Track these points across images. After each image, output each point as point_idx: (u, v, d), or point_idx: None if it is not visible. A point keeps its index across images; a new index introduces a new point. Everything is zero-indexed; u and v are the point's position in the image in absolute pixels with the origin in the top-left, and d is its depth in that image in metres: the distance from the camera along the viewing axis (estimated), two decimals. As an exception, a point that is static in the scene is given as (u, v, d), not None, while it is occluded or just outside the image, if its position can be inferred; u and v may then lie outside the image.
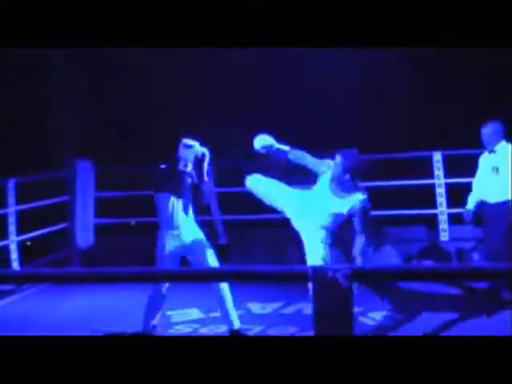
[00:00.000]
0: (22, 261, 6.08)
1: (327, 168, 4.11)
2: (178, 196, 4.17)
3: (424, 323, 4.48)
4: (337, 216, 4.17)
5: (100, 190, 6.73)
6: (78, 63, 6.85)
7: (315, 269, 1.55)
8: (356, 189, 4.09)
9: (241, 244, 6.85)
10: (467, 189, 5.23)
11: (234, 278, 1.65)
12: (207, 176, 4.25)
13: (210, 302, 5.27)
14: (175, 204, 4.19)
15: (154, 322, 4.35)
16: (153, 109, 8.50)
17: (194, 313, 5.17)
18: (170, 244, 4.27)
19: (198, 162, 4.14)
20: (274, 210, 6.72)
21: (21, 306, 5.58)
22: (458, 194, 6.14)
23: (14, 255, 5.99)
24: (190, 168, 4.17)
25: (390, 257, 6.21)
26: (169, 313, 5.15)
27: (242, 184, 6.81)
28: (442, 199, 6.29)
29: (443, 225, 6.30)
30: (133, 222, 7.16)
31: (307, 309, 5.10)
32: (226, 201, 6.90)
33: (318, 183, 4.14)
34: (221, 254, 6.56)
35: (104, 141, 7.85)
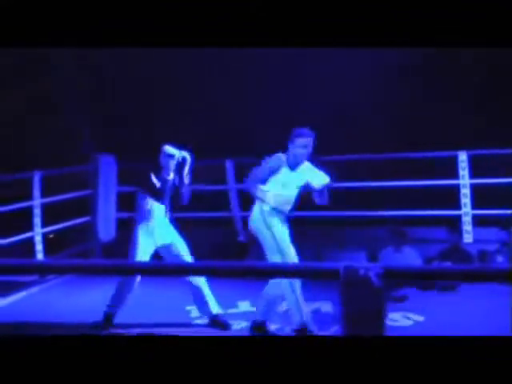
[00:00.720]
0: (46, 253, 6.15)
1: (279, 161, 4.40)
2: (159, 200, 4.56)
3: (440, 323, 4.45)
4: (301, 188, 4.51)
5: (122, 185, 6.77)
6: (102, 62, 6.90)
7: (346, 267, 1.54)
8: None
9: (259, 241, 6.83)
10: (493, 190, 5.16)
11: (266, 274, 1.64)
12: (187, 179, 4.55)
13: (228, 297, 5.30)
14: (154, 206, 4.58)
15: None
16: (176, 107, 8.53)
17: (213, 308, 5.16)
18: (143, 241, 4.64)
19: (180, 165, 4.49)
20: (294, 208, 6.72)
21: (45, 296, 5.64)
22: (482, 195, 6.08)
23: (39, 247, 6.06)
24: (171, 176, 4.55)
25: (409, 257, 6.15)
26: (188, 308, 5.16)
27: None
28: (466, 200, 6.20)
29: (467, 226, 6.22)
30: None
31: (326, 307, 5.08)
32: (245, 198, 6.90)
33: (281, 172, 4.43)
34: (240, 250, 6.59)
35: (126, 136, 7.90)
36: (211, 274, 2.23)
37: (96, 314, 4.78)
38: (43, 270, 4.81)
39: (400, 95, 7.90)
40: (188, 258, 4.73)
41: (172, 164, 4.47)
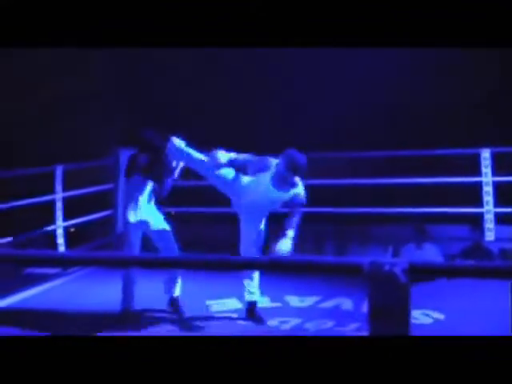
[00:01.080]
0: (68, 246, 6.22)
1: (270, 164, 4.45)
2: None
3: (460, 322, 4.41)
4: (274, 206, 4.57)
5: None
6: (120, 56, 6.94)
7: (371, 262, 1.53)
8: (294, 186, 4.40)
9: (277, 237, 6.83)
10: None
11: (290, 269, 1.64)
12: (178, 173, 4.86)
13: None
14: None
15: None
16: (192, 100, 8.56)
17: (233, 303, 5.19)
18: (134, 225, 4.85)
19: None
20: (313, 204, 6.71)
21: (68, 288, 5.71)
22: (505, 193, 6.00)
23: (61, 240, 6.14)
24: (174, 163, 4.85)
25: (431, 255, 6.11)
26: (208, 302, 5.19)
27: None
28: (489, 198, 6.13)
29: (489, 224, 6.15)
30: (173, 211, 7.18)
31: (346, 304, 5.06)
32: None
33: (262, 176, 4.46)
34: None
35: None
36: (246, 268, 2.24)
37: (116, 306, 4.83)
38: (65, 262, 4.92)
39: (424, 93, 7.83)
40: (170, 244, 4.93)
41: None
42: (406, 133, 7.55)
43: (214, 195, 5.07)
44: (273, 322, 4.71)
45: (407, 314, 1.50)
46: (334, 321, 4.65)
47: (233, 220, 5.01)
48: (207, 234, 6.61)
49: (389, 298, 1.49)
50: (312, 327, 4.57)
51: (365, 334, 1.61)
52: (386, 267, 1.49)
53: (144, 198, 4.86)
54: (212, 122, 8.30)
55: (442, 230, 6.43)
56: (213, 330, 4.55)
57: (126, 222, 4.85)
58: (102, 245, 6.72)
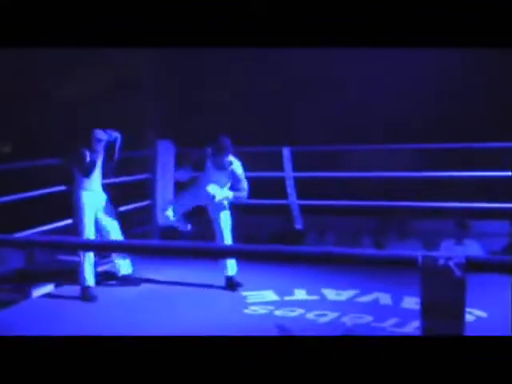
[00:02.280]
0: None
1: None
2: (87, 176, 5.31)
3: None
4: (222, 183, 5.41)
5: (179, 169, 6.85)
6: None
7: (425, 256, 1.49)
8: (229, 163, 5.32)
9: (315, 230, 6.81)
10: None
11: (340, 261, 1.61)
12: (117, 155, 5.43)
13: (285, 284, 5.30)
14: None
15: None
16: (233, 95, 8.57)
17: (269, 295, 5.18)
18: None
19: (111, 144, 5.37)
20: (348, 197, 6.65)
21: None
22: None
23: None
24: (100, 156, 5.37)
25: (471, 251, 5.98)
26: (244, 293, 5.20)
27: (320, 169, 6.77)
28: (533, 193, 5.95)
29: (532, 220, 5.99)
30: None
31: (384, 299, 5.00)
32: (303, 186, 6.87)
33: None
34: (296, 238, 6.57)
35: (184, 122, 7.99)
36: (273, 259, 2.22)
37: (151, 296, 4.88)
38: (103, 249, 5.04)
39: (472, 85, 7.66)
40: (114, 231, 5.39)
41: (101, 146, 5.31)
42: (451, 125, 7.40)
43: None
44: (309, 316, 4.67)
45: (462, 310, 1.45)
46: (372, 316, 4.59)
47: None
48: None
49: (443, 292, 1.45)
50: (349, 321, 4.52)
51: (407, 330, 1.57)
52: (441, 261, 1.45)
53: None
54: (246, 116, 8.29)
55: (484, 225, 6.28)
56: (250, 321, 4.55)
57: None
58: (139, 234, 6.80)
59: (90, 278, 5.13)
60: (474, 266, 1.46)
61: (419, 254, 1.50)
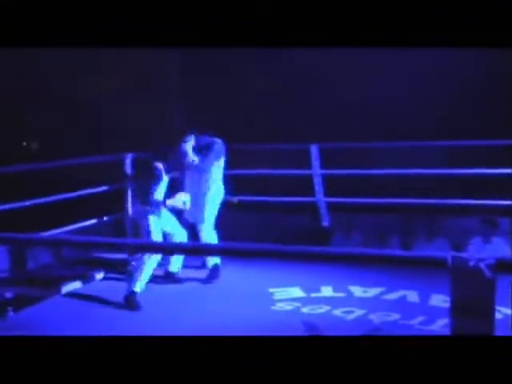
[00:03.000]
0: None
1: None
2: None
3: None
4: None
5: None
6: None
7: (455, 257, 1.51)
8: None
9: (342, 228, 6.81)
10: None
11: (369, 261, 1.65)
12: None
13: (311, 281, 5.33)
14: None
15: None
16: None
17: (296, 291, 5.22)
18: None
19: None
20: (375, 195, 6.63)
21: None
22: None
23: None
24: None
25: (500, 249, 5.92)
26: (271, 290, 5.25)
27: (347, 166, 6.76)
28: None
29: None
30: (235, 199, 7.27)
31: (411, 296, 4.99)
32: (329, 183, 6.88)
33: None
34: (323, 236, 6.58)
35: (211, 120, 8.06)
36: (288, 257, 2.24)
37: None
38: (129, 248, 5.09)
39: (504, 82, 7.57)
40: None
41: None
42: (479, 122, 7.32)
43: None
44: (336, 312, 4.70)
45: (492, 310, 1.47)
46: (399, 313, 4.60)
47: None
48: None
49: (474, 293, 1.47)
50: (376, 319, 4.53)
51: (435, 328, 1.59)
52: (471, 262, 1.47)
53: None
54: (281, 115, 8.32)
55: (511, 222, 6.20)
56: (277, 318, 4.59)
57: None
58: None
59: (140, 285, 4.95)
60: (504, 266, 1.48)
61: (449, 254, 1.52)
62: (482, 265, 1.46)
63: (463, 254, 1.50)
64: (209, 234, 5.56)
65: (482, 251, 5.79)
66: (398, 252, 1.44)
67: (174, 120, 7.46)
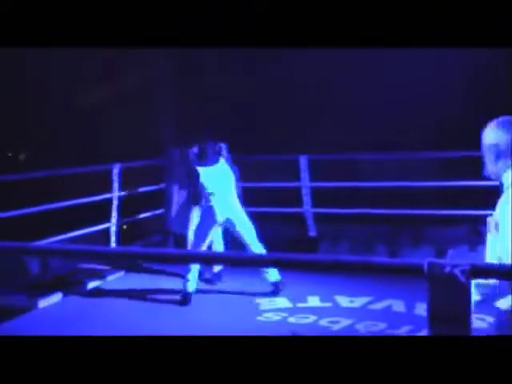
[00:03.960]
0: (120, 243, 6.39)
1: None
2: None
3: None
4: None
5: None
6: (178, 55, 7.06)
7: (431, 264, 1.53)
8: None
9: (329, 238, 6.84)
10: None
11: (348, 269, 1.67)
12: None
13: (298, 292, 5.33)
14: None
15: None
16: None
17: (283, 302, 5.23)
18: None
19: None
20: (362, 205, 6.67)
21: (119, 284, 5.90)
22: None
23: (114, 237, 6.30)
24: None
25: (484, 258, 5.96)
26: (258, 300, 5.24)
27: (332, 177, 6.79)
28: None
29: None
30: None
31: (397, 306, 5.01)
32: (316, 194, 6.91)
33: None
34: (310, 246, 6.61)
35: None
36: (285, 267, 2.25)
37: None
38: (114, 257, 5.07)
39: (487, 92, 7.66)
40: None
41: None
42: (464, 133, 7.40)
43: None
44: (323, 322, 4.71)
45: (468, 318, 1.49)
46: (386, 323, 4.62)
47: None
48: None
49: (450, 300, 1.49)
50: (363, 328, 4.55)
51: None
52: (447, 268, 1.49)
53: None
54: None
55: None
56: (263, 328, 4.59)
57: None
58: (154, 242, 6.88)
59: (192, 285, 5.26)
60: (478, 272, 1.50)
61: (425, 261, 1.54)
62: (456, 271, 1.48)
63: (439, 261, 1.52)
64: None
65: (467, 259, 5.84)
66: (375, 259, 1.46)
67: (162, 130, 7.47)
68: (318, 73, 8.33)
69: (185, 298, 5.22)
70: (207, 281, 5.74)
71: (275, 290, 5.35)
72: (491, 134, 2.27)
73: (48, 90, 8.98)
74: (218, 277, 5.75)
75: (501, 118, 2.28)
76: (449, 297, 1.49)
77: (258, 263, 1.74)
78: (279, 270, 5.35)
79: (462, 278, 1.46)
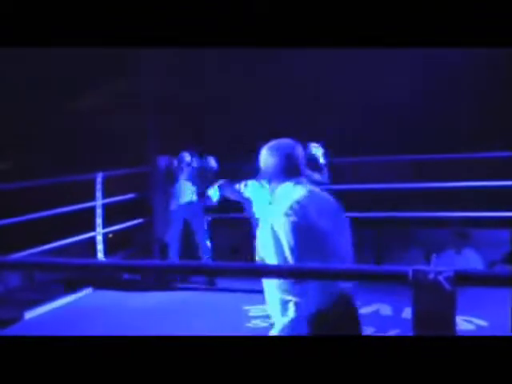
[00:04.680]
0: (106, 252, 6.34)
1: None
2: None
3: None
4: None
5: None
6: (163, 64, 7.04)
7: (416, 271, 1.52)
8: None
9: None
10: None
11: (331, 277, 1.65)
12: None
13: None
14: None
15: None
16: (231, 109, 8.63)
17: (271, 309, 5.19)
18: None
19: None
20: (353, 209, 6.66)
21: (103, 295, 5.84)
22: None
23: (100, 246, 6.24)
24: None
25: (471, 260, 6.00)
26: (246, 307, 5.21)
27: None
28: (530, 201, 5.98)
29: (531, 228, 6.00)
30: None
31: (385, 310, 5.01)
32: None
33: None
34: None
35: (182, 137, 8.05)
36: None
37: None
38: (98, 270, 5.00)
39: (468, 94, 7.71)
40: None
41: None
42: (447, 136, 7.45)
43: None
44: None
45: (453, 324, 1.48)
46: (374, 327, 4.61)
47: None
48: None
49: (434, 306, 1.48)
50: (351, 333, 4.53)
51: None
52: (431, 275, 1.48)
53: None
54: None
55: (484, 234, 6.30)
56: (253, 335, 4.56)
57: None
58: (139, 251, 6.83)
59: None
60: (463, 279, 1.50)
61: (410, 268, 1.53)
62: (440, 278, 1.47)
63: (423, 267, 1.51)
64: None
65: (454, 263, 5.86)
66: (359, 267, 1.45)
67: (150, 136, 7.42)
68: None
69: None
70: (200, 285, 5.73)
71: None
72: (261, 158, 2.42)
73: (25, 97, 8.90)
74: (210, 281, 5.71)
75: (271, 142, 2.41)
76: (433, 303, 1.48)
77: (235, 273, 1.72)
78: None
79: (446, 285, 1.45)
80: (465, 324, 4.59)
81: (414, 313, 1.50)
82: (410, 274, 1.51)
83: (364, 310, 5.05)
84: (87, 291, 5.78)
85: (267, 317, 4.99)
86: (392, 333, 4.47)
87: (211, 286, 5.83)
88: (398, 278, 1.54)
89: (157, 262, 5.13)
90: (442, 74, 7.61)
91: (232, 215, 6.24)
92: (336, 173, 7.09)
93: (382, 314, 4.95)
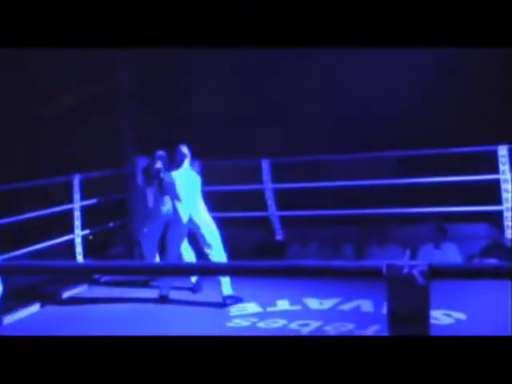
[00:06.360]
0: (86, 255, 6.28)
1: None
2: None
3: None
4: None
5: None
6: (139, 63, 6.99)
7: (390, 265, 1.52)
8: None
9: (296, 240, 6.85)
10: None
11: (307, 274, 1.64)
12: None
13: (267, 296, 5.31)
14: None
15: None
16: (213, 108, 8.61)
17: (252, 307, 5.19)
18: None
19: None
20: (328, 207, 6.70)
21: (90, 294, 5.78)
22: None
23: (79, 249, 6.19)
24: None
25: (450, 254, 6.05)
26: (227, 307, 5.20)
27: (297, 180, 6.80)
28: (507, 195, 6.06)
29: (508, 222, 6.08)
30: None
31: (366, 306, 5.03)
32: (283, 197, 6.91)
33: None
34: (277, 249, 6.60)
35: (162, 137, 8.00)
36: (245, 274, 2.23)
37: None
38: (80, 272, 4.94)
39: (441, 91, 7.78)
40: None
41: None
42: (423, 132, 7.51)
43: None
44: (292, 326, 4.69)
45: (427, 317, 1.49)
46: (354, 323, 4.63)
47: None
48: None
49: (408, 301, 1.49)
50: (332, 330, 4.55)
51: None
52: (405, 270, 1.49)
53: None
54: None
55: (461, 228, 6.37)
56: (232, 334, 4.55)
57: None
58: (119, 253, 6.78)
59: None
60: (436, 273, 1.50)
61: (384, 263, 1.53)
62: (414, 272, 1.48)
63: (397, 262, 1.51)
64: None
65: (433, 257, 5.92)
66: (334, 263, 1.44)
67: (125, 138, 7.36)
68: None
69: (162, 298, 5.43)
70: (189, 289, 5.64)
71: (225, 303, 5.25)
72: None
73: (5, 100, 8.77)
74: (198, 286, 5.62)
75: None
76: (408, 297, 1.48)
77: (215, 272, 1.71)
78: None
79: (420, 279, 1.46)
80: (444, 318, 4.63)
81: (389, 307, 1.50)
82: (384, 268, 1.52)
83: (345, 307, 5.08)
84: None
85: (248, 315, 5.03)
86: (372, 329, 4.49)
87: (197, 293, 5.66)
88: (373, 274, 1.55)
89: (138, 263, 5.09)
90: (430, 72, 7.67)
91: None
92: (319, 171, 7.09)
93: (364, 310, 4.97)
